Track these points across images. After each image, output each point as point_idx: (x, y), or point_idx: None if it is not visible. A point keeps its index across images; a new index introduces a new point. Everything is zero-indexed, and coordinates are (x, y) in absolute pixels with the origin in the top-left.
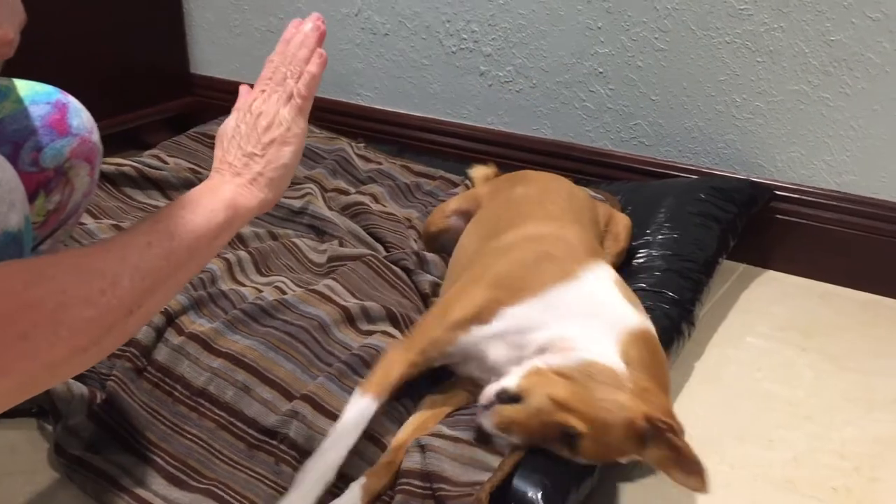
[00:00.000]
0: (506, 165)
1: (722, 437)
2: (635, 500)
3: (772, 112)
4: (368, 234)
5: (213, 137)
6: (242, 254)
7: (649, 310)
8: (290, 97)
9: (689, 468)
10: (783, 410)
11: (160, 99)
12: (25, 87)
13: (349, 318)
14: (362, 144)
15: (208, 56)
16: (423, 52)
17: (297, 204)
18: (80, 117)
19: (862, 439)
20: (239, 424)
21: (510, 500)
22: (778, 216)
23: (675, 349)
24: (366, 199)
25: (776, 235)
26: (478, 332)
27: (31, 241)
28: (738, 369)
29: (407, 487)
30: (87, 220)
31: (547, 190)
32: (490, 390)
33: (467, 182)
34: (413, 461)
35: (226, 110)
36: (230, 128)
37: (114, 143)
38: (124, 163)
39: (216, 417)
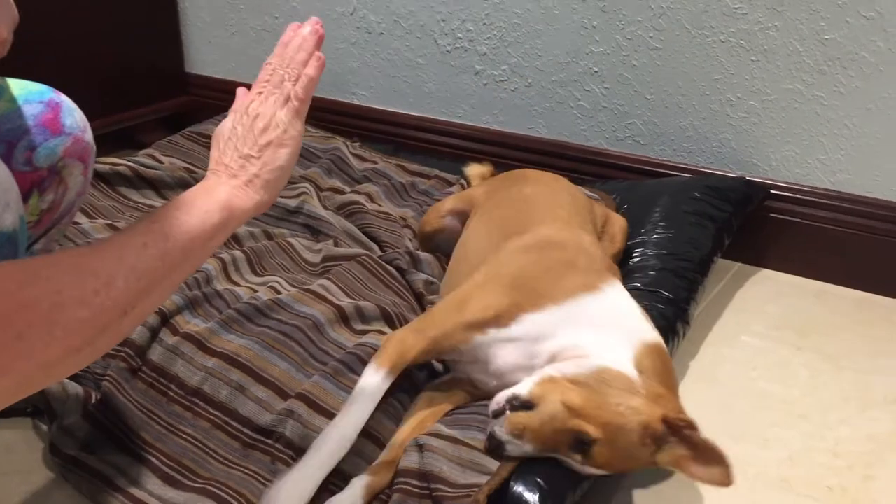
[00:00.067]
0: (501, 164)
1: (717, 436)
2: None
3: (766, 111)
4: (363, 233)
5: (208, 137)
6: (237, 253)
7: (644, 309)
8: (288, 100)
9: (710, 461)
10: (778, 409)
11: (156, 98)
12: (18, 87)
13: (343, 318)
14: (357, 143)
15: (204, 55)
16: (419, 51)
17: (293, 203)
18: (74, 116)
19: (857, 438)
20: (234, 424)
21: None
22: (773, 215)
23: (671, 349)
24: (361, 199)
25: (771, 234)
26: (494, 335)
27: (26, 241)
28: (733, 368)
29: (404, 487)
30: (82, 219)
31: (553, 190)
32: (501, 397)
33: (462, 181)
34: (411, 460)
35: (221, 109)
36: (227, 129)
37: (109, 142)
38: (119, 162)
39: (211, 417)
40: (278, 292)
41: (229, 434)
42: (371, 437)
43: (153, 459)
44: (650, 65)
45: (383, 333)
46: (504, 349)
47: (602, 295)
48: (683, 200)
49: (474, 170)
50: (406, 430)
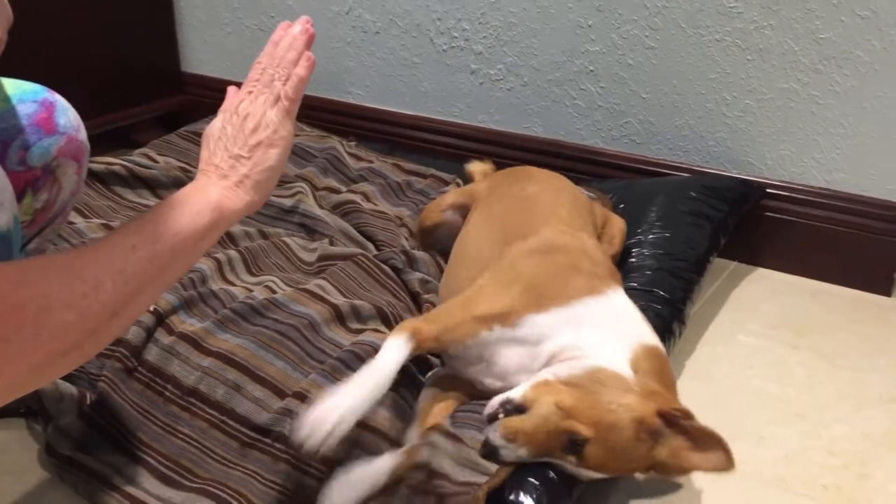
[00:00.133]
0: (497, 163)
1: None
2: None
3: (762, 110)
4: (359, 232)
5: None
6: (233, 253)
7: (641, 309)
8: (278, 99)
9: (709, 448)
10: (774, 408)
11: (151, 97)
12: (12, 86)
13: (339, 317)
14: (353, 143)
15: (199, 54)
16: (414, 50)
17: (288, 203)
18: (67, 116)
19: (852, 437)
20: (231, 423)
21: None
22: (768, 214)
23: (667, 348)
24: (357, 198)
25: (767, 233)
26: (500, 334)
27: (21, 241)
28: (729, 367)
29: (412, 482)
30: (77, 218)
31: (555, 190)
32: (495, 401)
33: (458, 180)
34: (421, 455)
35: (217, 109)
36: (216, 129)
37: (105, 141)
38: (114, 161)
39: (208, 416)
40: (274, 292)
41: (227, 433)
42: (369, 428)
43: (150, 460)
44: (646, 64)
45: (379, 332)
46: (508, 349)
47: (605, 299)
48: (680, 200)
49: (476, 167)
50: (430, 418)
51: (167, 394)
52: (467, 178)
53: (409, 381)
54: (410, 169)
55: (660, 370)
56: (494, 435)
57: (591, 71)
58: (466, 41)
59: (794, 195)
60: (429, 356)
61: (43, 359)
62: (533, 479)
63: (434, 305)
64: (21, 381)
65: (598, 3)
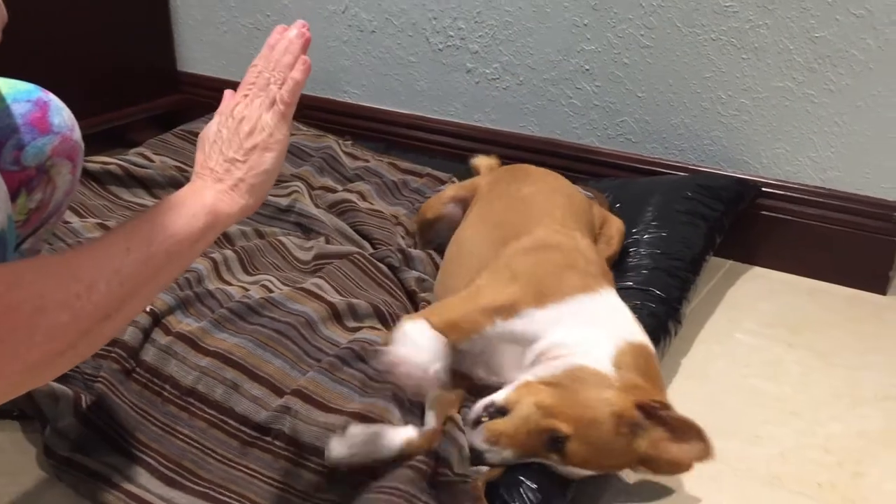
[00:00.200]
0: None
1: (709, 433)
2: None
3: (757, 109)
4: (355, 231)
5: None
6: (229, 252)
7: (637, 308)
8: (273, 103)
9: (688, 438)
10: (770, 406)
11: (147, 97)
12: (6, 85)
13: (336, 315)
14: (349, 142)
15: (195, 54)
16: (410, 49)
17: (284, 202)
18: (62, 115)
19: (847, 435)
20: (230, 422)
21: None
22: (764, 213)
23: (662, 347)
24: (353, 197)
25: (762, 232)
26: (501, 327)
27: (15, 240)
28: (725, 366)
29: (422, 467)
30: (73, 218)
31: (552, 190)
32: (478, 406)
33: (454, 179)
34: (437, 444)
35: (213, 108)
36: (212, 132)
37: (101, 141)
38: (110, 161)
39: (207, 416)
40: (270, 291)
41: (227, 433)
42: (365, 418)
43: (151, 461)
44: (641, 63)
45: (376, 330)
46: (506, 346)
47: (598, 297)
48: (676, 199)
49: (482, 161)
50: (445, 408)
51: (165, 394)
52: (463, 177)
53: None
54: (406, 168)
55: (644, 366)
56: (478, 439)
57: (587, 70)
58: (462, 40)
59: (789, 194)
60: None
61: (37, 359)
62: (527, 480)
63: (430, 304)
64: (15, 381)
65: (594, 2)
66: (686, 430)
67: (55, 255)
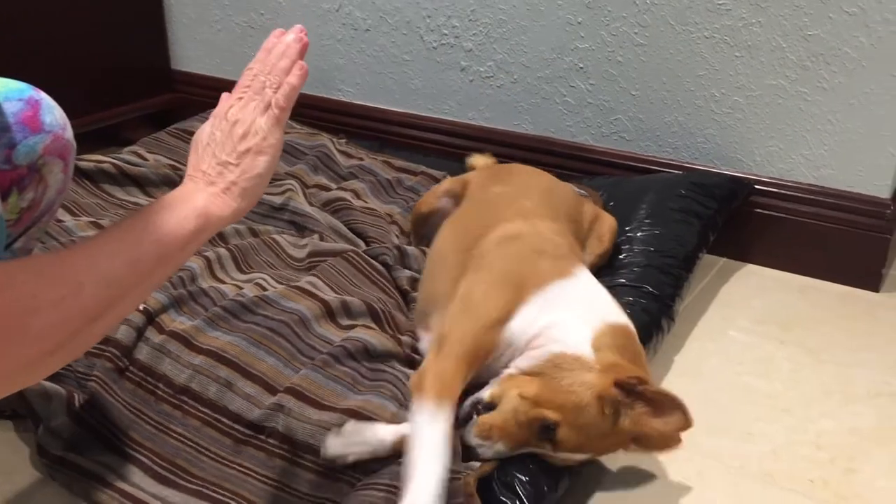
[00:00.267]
0: None
1: (701, 430)
2: (615, 500)
3: (750, 107)
4: (350, 229)
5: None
6: (222, 251)
7: (629, 305)
8: (268, 106)
9: (667, 410)
10: (762, 403)
11: (141, 95)
12: None
13: (329, 313)
14: (343, 140)
15: (189, 52)
16: (404, 47)
17: (278, 200)
18: (53, 114)
19: (839, 431)
20: (224, 420)
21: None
22: (757, 210)
23: (655, 344)
24: (347, 195)
25: (755, 230)
26: (506, 333)
27: (6, 240)
28: (717, 363)
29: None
30: (66, 216)
31: (523, 186)
32: (466, 404)
33: (448, 177)
34: None
35: (207, 106)
36: (205, 134)
37: (94, 139)
38: (103, 159)
39: (201, 414)
40: (264, 289)
41: (220, 431)
42: (358, 415)
43: (145, 459)
44: (635, 61)
45: (369, 328)
46: (505, 348)
47: (574, 280)
48: (669, 197)
49: (478, 160)
50: None
51: (159, 392)
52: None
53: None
54: (400, 166)
55: (623, 345)
56: (470, 435)
57: (581, 68)
58: (456, 38)
59: (782, 191)
60: (413, 353)
61: (27, 360)
62: (518, 475)
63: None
64: (5, 381)
65: (588, 0)
66: (664, 403)
67: (44, 255)
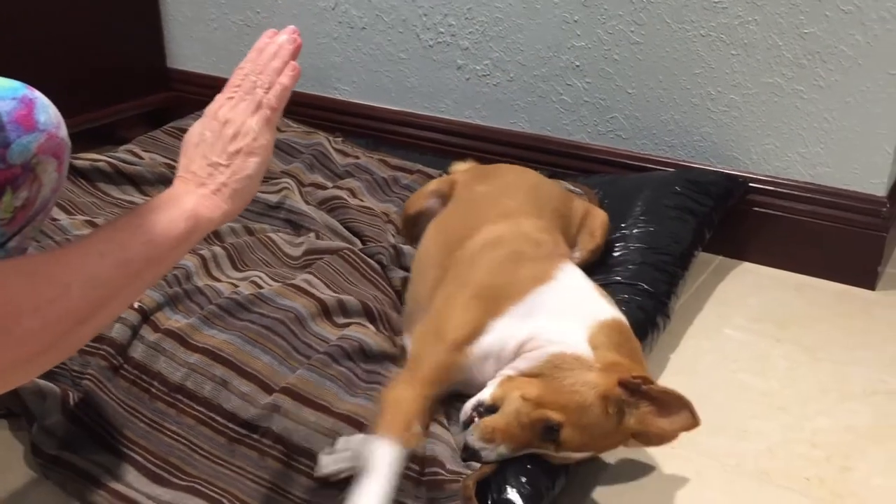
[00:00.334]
0: (483, 159)
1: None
2: (612, 498)
3: (746, 105)
4: (346, 228)
5: None
6: (217, 249)
7: (624, 302)
8: (259, 107)
9: (674, 409)
10: (758, 401)
11: (137, 94)
12: None
13: (325, 311)
14: (340, 139)
15: (185, 50)
16: (401, 45)
17: (274, 199)
18: (48, 113)
19: (835, 429)
20: (219, 419)
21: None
22: (753, 208)
23: (650, 341)
24: (343, 194)
25: (751, 228)
26: (473, 352)
27: (0, 239)
28: (713, 361)
29: (406, 471)
30: (61, 215)
31: (506, 186)
32: (467, 406)
33: (444, 175)
34: (420, 446)
35: (203, 105)
36: (195, 134)
37: (90, 138)
38: (99, 158)
39: (195, 413)
40: (260, 287)
41: (215, 430)
42: (352, 421)
43: (138, 458)
44: (631, 59)
45: (365, 327)
46: (481, 364)
47: (555, 283)
48: (664, 195)
49: (460, 167)
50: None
51: (153, 391)
52: None
53: None
54: (397, 165)
55: (619, 341)
56: (472, 438)
57: (577, 66)
58: (453, 37)
59: (778, 190)
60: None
61: (15, 361)
62: (517, 475)
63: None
64: None
65: None
66: (671, 402)
67: (32, 257)
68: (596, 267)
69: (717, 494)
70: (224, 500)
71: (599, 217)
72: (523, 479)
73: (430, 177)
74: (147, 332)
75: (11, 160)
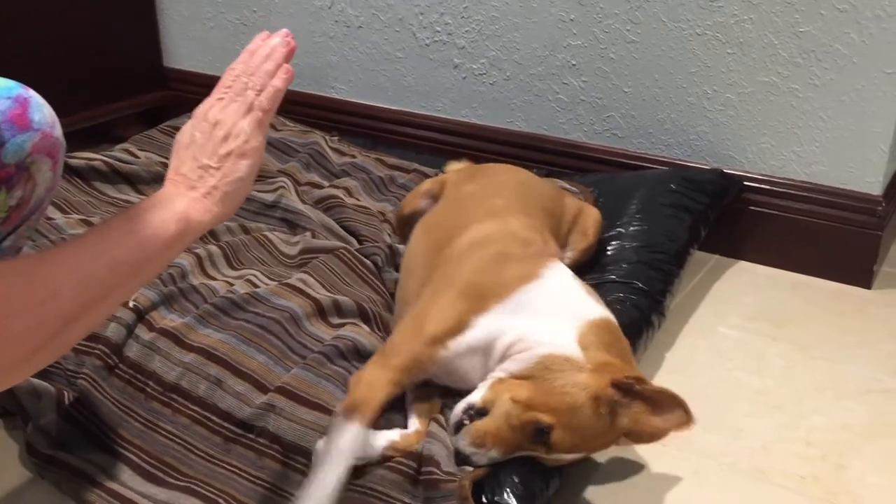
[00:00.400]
0: (480, 158)
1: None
2: (606, 497)
3: (742, 103)
4: (342, 227)
5: None
6: (213, 248)
7: (619, 301)
8: (250, 109)
9: (668, 408)
10: (753, 400)
11: (133, 93)
12: None
13: (321, 312)
14: (336, 138)
15: (182, 49)
16: (397, 44)
17: (270, 198)
18: (42, 112)
19: (830, 428)
20: (214, 419)
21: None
22: (749, 207)
23: (645, 340)
24: (339, 193)
25: (747, 226)
26: (455, 347)
27: None
28: (708, 359)
29: (402, 468)
30: (56, 214)
31: (495, 185)
32: (458, 410)
33: (441, 174)
34: (418, 445)
35: (199, 104)
36: (186, 135)
37: (86, 137)
38: (94, 157)
39: (190, 412)
40: (255, 286)
41: (210, 429)
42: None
43: (133, 457)
44: (627, 58)
45: (359, 328)
46: (465, 359)
47: (542, 282)
48: (660, 193)
49: (454, 167)
50: (425, 408)
51: (148, 390)
52: None
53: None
54: (393, 164)
55: (609, 341)
56: (463, 443)
57: (574, 65)
58: (449, 35)
59: (774, 188)
60: None
61: (8, 361)
62: (511, 476)
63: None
64: None
65: None
66: (665, 401)
67: (25, 257)
68: (591, 265)
69: (712, 493)
70: (221, 501)
71: (592, 215)
72: (517, 480)
73: (427, 176)
74: (142, 332)
75: (6, 159)
